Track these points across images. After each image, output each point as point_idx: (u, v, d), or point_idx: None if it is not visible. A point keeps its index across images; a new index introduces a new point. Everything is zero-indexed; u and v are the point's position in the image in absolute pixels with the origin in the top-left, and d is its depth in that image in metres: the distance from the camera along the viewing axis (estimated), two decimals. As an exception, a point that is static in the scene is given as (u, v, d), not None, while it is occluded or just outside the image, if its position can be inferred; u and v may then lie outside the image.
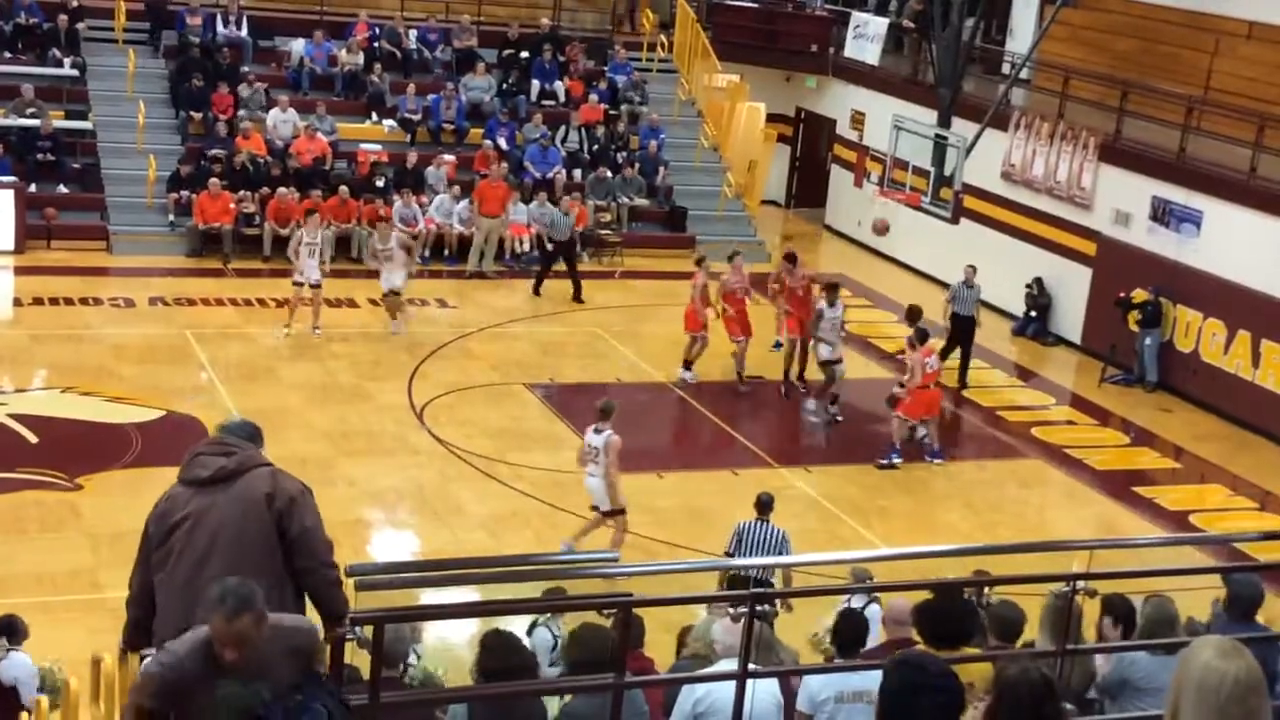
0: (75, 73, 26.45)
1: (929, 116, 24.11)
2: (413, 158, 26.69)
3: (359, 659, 6.64)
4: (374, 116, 27.85)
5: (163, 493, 6.80)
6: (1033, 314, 25.08)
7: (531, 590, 9.17)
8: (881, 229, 23.84)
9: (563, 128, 28.48)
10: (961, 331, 22.24)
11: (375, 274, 24.73)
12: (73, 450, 17.07)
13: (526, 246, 26.06)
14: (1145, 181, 23.23)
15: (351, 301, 23.39)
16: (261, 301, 22.76)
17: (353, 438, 18.30)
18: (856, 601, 11.18)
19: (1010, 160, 25.60)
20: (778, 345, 21.94)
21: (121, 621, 6.92)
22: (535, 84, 29.21)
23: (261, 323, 21.72)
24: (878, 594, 11.18)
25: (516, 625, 10.67)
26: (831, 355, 20.24)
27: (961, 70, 23.80)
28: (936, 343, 20.06)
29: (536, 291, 24.41)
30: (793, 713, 8.21)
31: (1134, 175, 23.45)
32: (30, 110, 25.19)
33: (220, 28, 27.96)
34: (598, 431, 15.17)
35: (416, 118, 27.66)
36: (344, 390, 19.78)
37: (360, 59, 28.27)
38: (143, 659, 6.73)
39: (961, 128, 23.12)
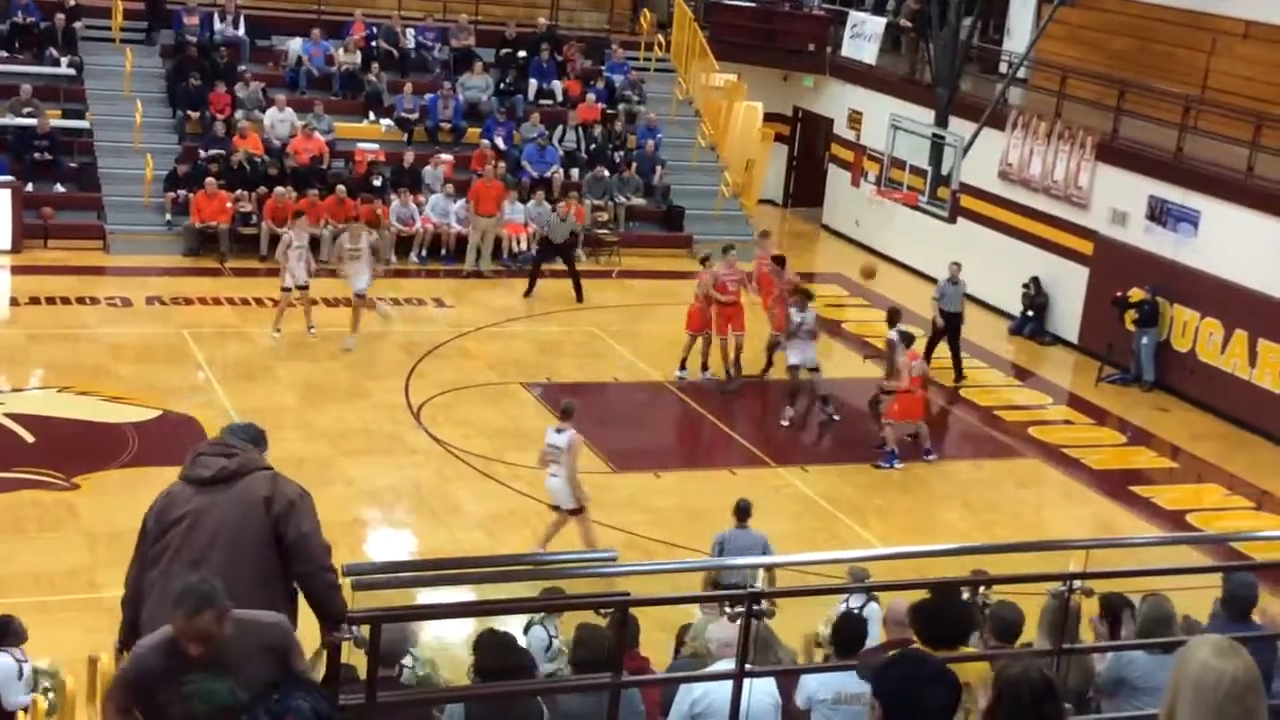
0: (72, 72, 26.44)
1: (926, 116, 24.14)
2: (410, 157, 26.69)
3: (356, 658, 6.64)
4: (371, 116, 27.85)
5: (163, 489, 6.83)
6: (1029, 314, 25.09)
7: (528, 590, 9.17)
8: (869, 273, 23.80)
9: (560, 127, 28.49)
10: (949, 327, 22.42)
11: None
12: (70, 450, 17.05)
13: (523, 246, 26.06)
14: (1142, 181, 23.24)
15: (349, 301, 23.32)
16: (259, 301, 22.74)
17: (350, 437, 18.29)
18: (855, 601, 11.18)
19: (1007, 159, 25.62)
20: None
21: (118, 621, 6.92)
22: (533, 83, 29.21)
23: (259, 322, 21.71)
24: (876, 594, 11.18)
25: (513, 625, 10.69)
26: (800, 360, 20.09)
27: (959, 69, 23.81)
28: (920, 347, 20.06)
29: (528, 293, 24.38)
30: (790, 712, 8.23)
31: (1131, 174, 23.46)
32: (27, 109, 25.17)
33: (218, 26, 27.94)
34: (559, 431, 15.14)
35: (414, 117, 27.66)
36: (341, 390, 19.77)
37: (357, 58, 28.27)
38: None
39: (959, 127, 23.14)
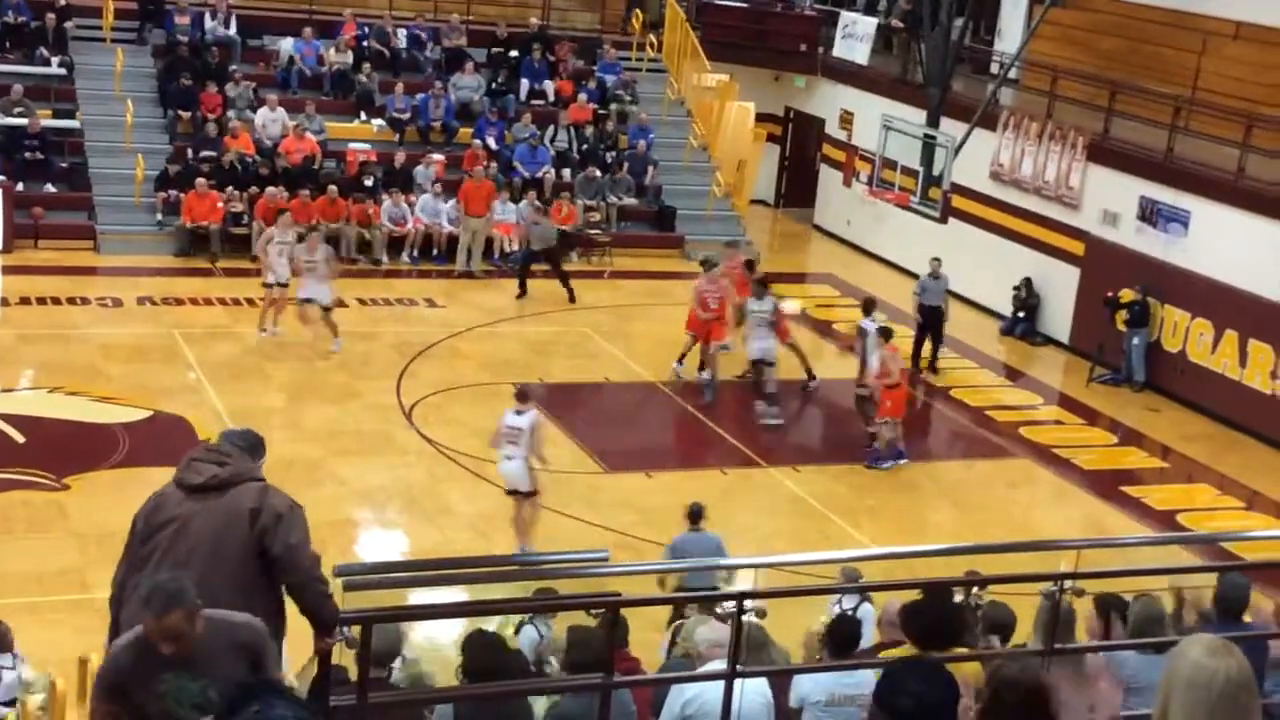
0: (63, 71, 26.40)
1: (918, 116, 24.17)
2: (401, 157, 26.67)
3: (347, 659, 6.63)
4: (363, 116, 27.82)
5: (156, 489, 6.85)
6: (1020, 315, 25.11)
7: (520, 590, 9.16)
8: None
9: (552, 127, 28.47)
10: (929, 322, 22.61)
11: (365, 273, 24.90)
12: (60, 450, 17.02)
13: (515, 246, 26.03)
14: (1133, 181, 23.27)
15: (340, 302, 23.29)
16: (250, 301, 22.67)
17: (341, 437, 18.28)
18: (848, 602, 11.18)
19: (999, 160, 25.63)
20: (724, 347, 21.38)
21: (108, 621, 6.92)
22: (524, 83, 29.19)
23: (250, 322, 21.65)
24: (868, 594, 11.18)
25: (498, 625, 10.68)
26: (762, 355, 20.00)
27: (950, 70, 23.84)
28: (905, 346, 20.04)
29: (520, 295, 24.35)
30: (783, 713, 8.22)
31: (1122, 175, 23.49)
32: (18, 109, 25.13)
33: (209, 26, 27.91)
34: (519, 413, 15.12)
35: (405, 117, 27.63)
36: (333, 390, 19.75)
37: (349, 58, 28.24)
38: None
39: (950, 127, 23.18)
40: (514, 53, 29.49)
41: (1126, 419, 21.73)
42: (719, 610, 9.55)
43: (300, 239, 21.37)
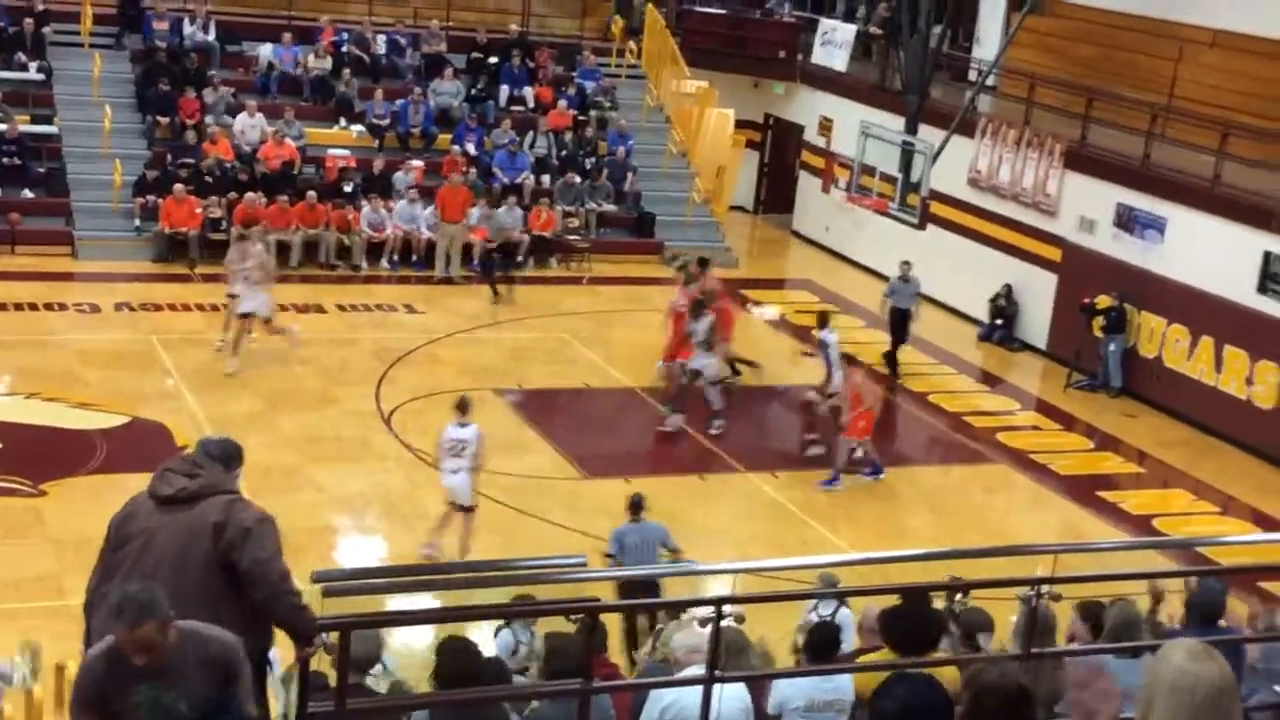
0: (41, 77, 26.30)
1: (896, 123, 24.24)
2: (380, 163, 26.65)
3: (325, 665, 6.63)
4: (342, 122, 27.78)
5: (132, 495, 6.83)
6: (998, 322, 25.17)
7: (499, 596, 9.16)
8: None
9: (531, 133, 28.48)
10: (897, 323, 22.80)
11: (345, 279, 24.86)
12: (37, 456, 16.96)
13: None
14: (1110, 188, 23.37)
15: (319, 308, 23.33)
16: (228, 307, 22.61)
17: (320, 443, 18.24)
18: (825, 608, 11.19)
19: (977, 166, 25.72)
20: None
21: (84, 628, 6.91)
22: (504, 89, 29.20)
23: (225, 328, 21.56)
24: (845, 600, 11.19)
25: (486, 630, 10.69)
26: (700, 366, 19.76)
27: (929, 77, 23.93)
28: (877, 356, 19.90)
29: (495, 300, 24.38)
30: (762, 718, 8.22)
31: (1099, 182, 23.58)
32: (-5, 114, 25.09)
33: (187, 31, 27.85)
34: (462, 425, 15.12)
35: (385, 123, 27.61)
36: (311, 396, 19.72)
37: (328, 64, 28.21)
38: None
39: (928, 134, 23.25)
40: (493, 59, 29.48)
41: (1103, 424, 21.81)
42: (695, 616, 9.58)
43: (242, 239, 20.99)
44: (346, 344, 21.87)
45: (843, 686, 8.06)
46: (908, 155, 22.66)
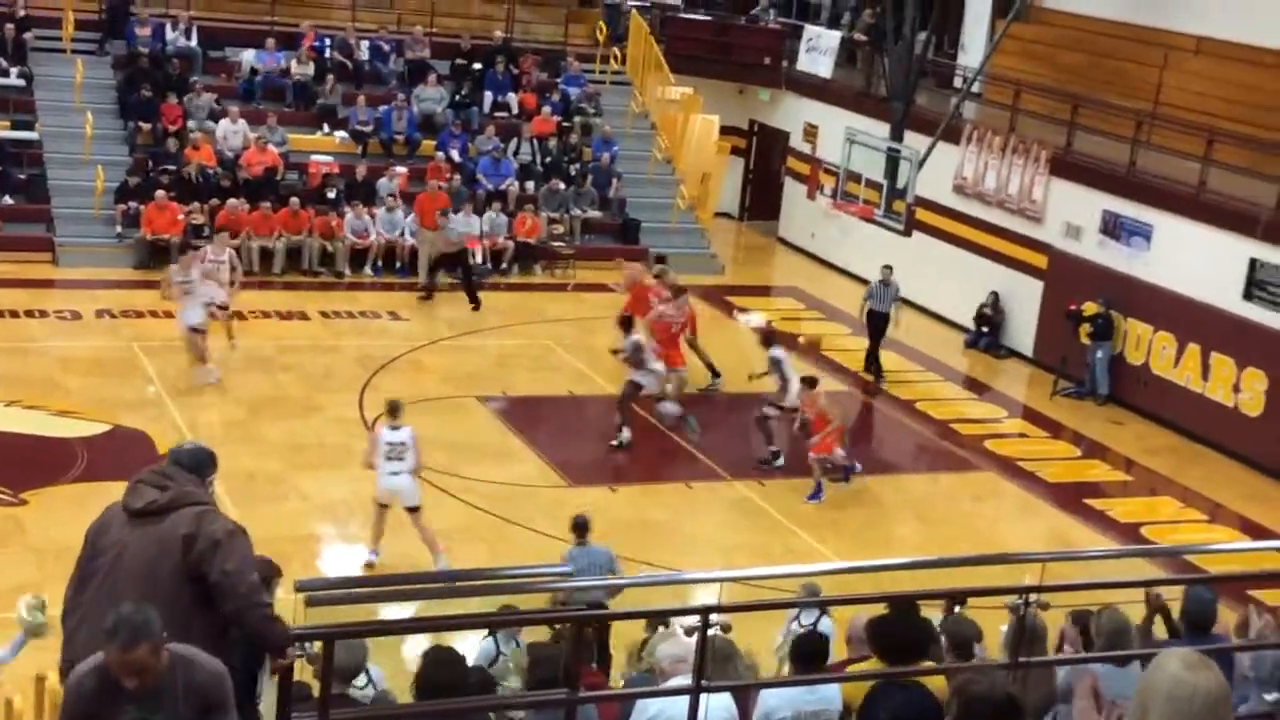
0: (22, 83, 26.19)
1: (882, 129, 24.19)
2: (363, 169, 26.54)
3: (308, 675, 6.55)
4: (325, 128, 27.68)
5: (110, 503, 6.78)
6: (984, 329, 25.14)
7: (485, 605, 9.08)
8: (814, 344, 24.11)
9: (515, 140, 28.40)
10: (876, 327, 22.82)
11: (328, 286, 24.76)
12: (18, 465, 16.86)
13: (479, 259, 25.96)
14: (1096, 195, 23.36)
15: (302, 314, 23.22)
16: (210, 314, 22.48)
17: (304, 451, 18.14)
18: (806, 617, 11.11)
19: (962, 173, 25.70)
20: None
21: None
22: (488, 95, 29.12)
23: (210, 336, 21.43)
24: (827, 609, 11.11)
25: (472, 639, 10.59)
26: (642, 380, 19.56)
27: (914, 84, 23.88)
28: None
29: (474, 306, 24.32)
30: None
31: (1085, 189, 23.57)
32: (-24, 121, 24.96)
33: (169, 37, 27.72)
34: (395, 429, 15.08)
35: (368, 129, 27.51)
36: (294, 403, 19.61)
37: (310, 69, 28.09)
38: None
39: (914, 141, 23.21)
40: (478, 65, 29.41)
41: (1090, 432, 21.77)
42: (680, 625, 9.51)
43: (184, 251, 20.67)
44: (330, 351, 21.77)
45: (829, 697, 8.00)
46: (893, 162, 22.62)
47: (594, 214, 28.02)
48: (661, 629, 10.39)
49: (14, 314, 21.93)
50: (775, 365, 19.36)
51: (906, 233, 23.05)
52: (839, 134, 24.67)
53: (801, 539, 17.05)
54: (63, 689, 6.94)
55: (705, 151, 30.35)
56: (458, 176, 26.94)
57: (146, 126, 26.15)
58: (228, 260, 20.83)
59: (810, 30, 30.65)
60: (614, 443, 19.31)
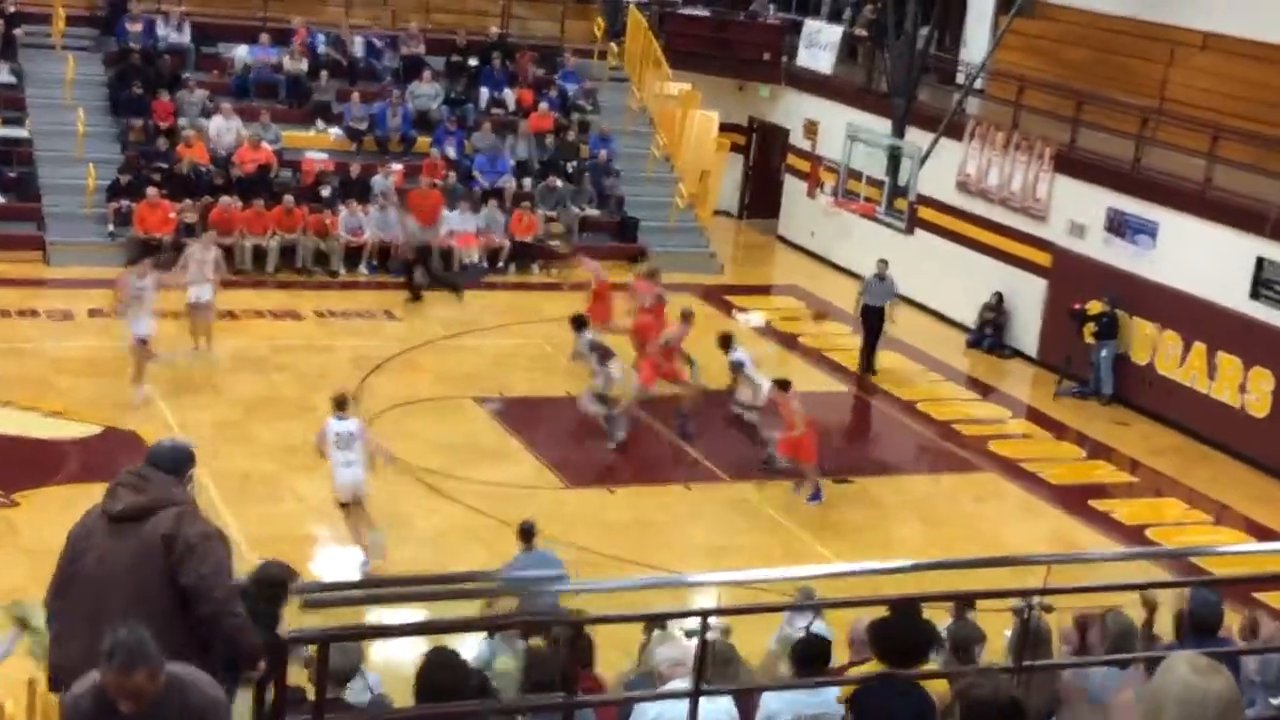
0: (13, 79, 26.02)
1: (883, 126, 24.07)
2: (357, 167, 26.33)
3: (303, 679, 6.41)
4: (319, 124, 27.49)
5: (91, 506, 6.81)
6: (987, 330, 24.95)
7: (481, 607, 8.96)
8: (820, 317, 23.98)
9: (512, 136, 28.21)
10: (871, 322, 22.72)
11: (322, 284, 24.58)
12: (10, 466, 16.77)
13: (475, 258, 25.78)
14: (1100, 192, 23.18)
15: (296, 314, 23.04)
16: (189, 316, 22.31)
17: (298, 452, 17.85)
18: (800, 620, 10.96)
19: (965, 170, 25.50)
20: None
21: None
22: (484, 92, 28.94)
23: (189, 334, 21.23)
24: (821, 611, 10.96)
25: (469, 641, 10.41)
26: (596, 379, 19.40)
27: (916, 79, 23.74)
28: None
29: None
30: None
31: (1089, 186, 23.40)
32: (-34, 118, 24.78)
33: (161, 32, 27.52)
34: (342, 419, 14.97)
35: (363, 126, 27.31)
36: (289, 404, 19.42)
37: (303, 65, 27.86)
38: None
39: (916, 137, 23.09)
40: (473, 61, 29.24)
41: (1095, 432, 21.60)
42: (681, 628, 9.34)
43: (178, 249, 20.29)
44: (324, 351, 21.60)
45: (831, 701, 7.87)
46: (895, 159, 22.49)
47: (592, 212, 27.83)
48: (658, 632, 10.22)
49: (5, 314, 21.77)
50: (737, 369, 19.08)
51: (908, 231, 22.94)
52: (840, 130, 24.55)
53: (801, 540, 16.88)
54: (52, 694, 6.86)
55: (704, 148, 30.19)
56: (453, 174, 26.73)
57: (138, 123, 25.96)
58: (213, 259, 20.47)
59: (810, 25, 30.50)
60: (610, 444, 19.11)
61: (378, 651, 10.59)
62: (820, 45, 29.53)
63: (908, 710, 6.74)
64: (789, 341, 24.45)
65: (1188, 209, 21.82)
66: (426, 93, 28.26)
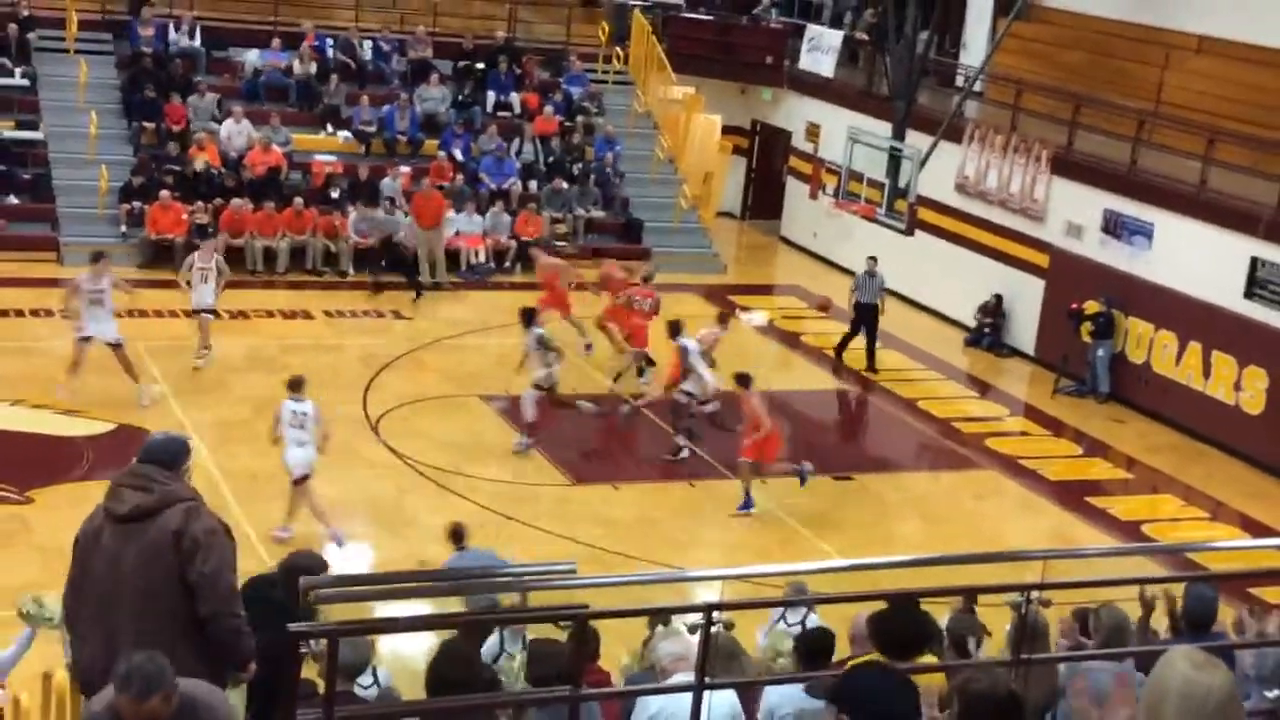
0: (26, 83, 26.22)
1: (884, 129, 24.22)
2: (366, 169, 26.56)
3: (313, 673, 6.58)
4: (329, 128, 27.71)
5: (99, 505, 6.80)
6: (985, 330, 25.15)
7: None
8: (824, 307, 24.26)
9: (518, 139, 28.42)
10: (865, 318, 23.06)
11: (331, 285, 24.78)
12: (24, 463, 16.91)
13: (481, 258, 26.01)
14: (1097, 194, 23.37)
15: (306, 313, 23.26)
16: (214, 313, 22.49)
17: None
18: (793, 615, 11.13)
19: (964, 172, 25.71)
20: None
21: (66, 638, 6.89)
22: (490, 95, 29.15)
23: (214, 334, 21.46)
24: (813, 606, 11.15)
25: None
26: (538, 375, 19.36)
27: (916, 83, 23.91)
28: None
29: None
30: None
31: (1086, 188, 23.59)
32: (-20, 120, 25.00)
33: (173, 37, 27.76)
34: (298, 399, 15.46)
35: (371, 129, 27.54)
36: (298, 402, 19.59)
37: (312, 69, 28.11)
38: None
39: (916, 140, 23.24)
40: (480, 65, 29.44)
41: (1091, 430, 21.79)
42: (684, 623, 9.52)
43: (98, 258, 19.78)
44: (333, 350, 21.81)
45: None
46: (895, 161, 22.66)
47: (597, 213, 28.04)
48: (661, 627, 10.40)
49: (19, 313, 21.98)
50: (682, 355, 18.78)
51: (908, 232, 23.08)
52: (841, 133, 24.71)
53: (803, 536, 17.08)
54: (70, 688, 7.00)
55: (707, 151, 30.36)
56: (460, 176, 26.95)
57: (150, 126, 26.20)
58: (214, 265, 20.56)
59: (812, 29, 30.66)
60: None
61: (385, 646, 10.83)
62: (822, 49, 29.71)
63: (889, 687, 6.81)
64: (791, 340, 24.66)
65: (1183, 210, 22.03)
66: (434, 96, 28.49)
